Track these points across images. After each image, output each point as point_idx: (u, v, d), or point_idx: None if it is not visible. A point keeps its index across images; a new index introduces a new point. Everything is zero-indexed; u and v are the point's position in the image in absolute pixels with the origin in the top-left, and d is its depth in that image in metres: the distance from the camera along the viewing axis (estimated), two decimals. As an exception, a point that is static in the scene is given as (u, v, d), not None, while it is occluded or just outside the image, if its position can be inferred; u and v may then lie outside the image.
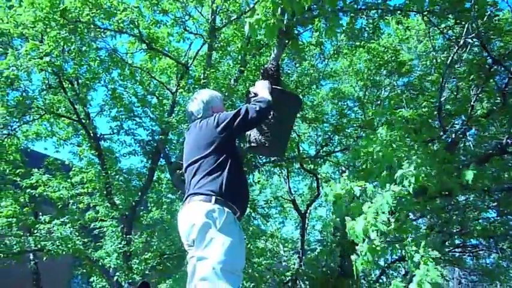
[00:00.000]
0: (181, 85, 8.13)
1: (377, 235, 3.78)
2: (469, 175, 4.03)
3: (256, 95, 2.67)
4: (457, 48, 5.61)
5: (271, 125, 2.76)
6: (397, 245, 3.96)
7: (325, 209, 14.24)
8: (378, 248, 3.84)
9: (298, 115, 7.59)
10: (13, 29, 6.66)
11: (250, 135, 2.83)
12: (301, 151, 10.01)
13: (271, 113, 2.68)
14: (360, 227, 3.72)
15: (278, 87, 2.92)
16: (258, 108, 2.45)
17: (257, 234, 10.37)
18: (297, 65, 9.29)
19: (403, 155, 4.26)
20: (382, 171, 4.19)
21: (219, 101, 2.78)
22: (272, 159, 9.17)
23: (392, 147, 4.34)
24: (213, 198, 2.29)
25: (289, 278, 10.82)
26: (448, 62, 5.73)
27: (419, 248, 3.61)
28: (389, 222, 3.90)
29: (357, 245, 3.93)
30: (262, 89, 2.68)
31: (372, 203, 3.83)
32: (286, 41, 3.70)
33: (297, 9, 3.11)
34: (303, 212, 11.57)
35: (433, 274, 3.46)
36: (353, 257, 4.06)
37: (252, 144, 2.81)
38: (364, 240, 3.85)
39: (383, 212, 3.71)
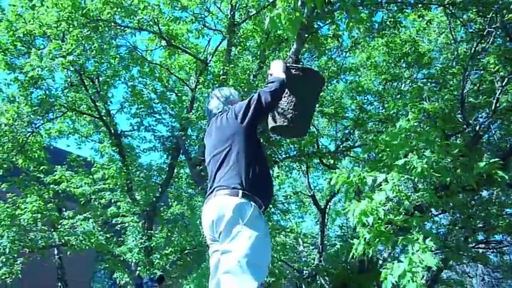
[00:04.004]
0: (200, 81, 8.16)
1: (379, 222, 3.72)
2: (480, 167, 3.93)
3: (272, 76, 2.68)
4: (480, 39, 5.48)
5: (293, 103, 2.73)
6: (401, 237, 3.88)
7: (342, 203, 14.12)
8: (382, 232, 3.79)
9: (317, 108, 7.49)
10: (38, 29, 6.78)
11: (272, 115, 2.80)
12: (320, 146, 9.93)
13: (294, 90, 2.68)
14: (361, 208, 3.69)
15: (299, 66, 2.89)
16: (271, 89, 2.49)
17: (277, 230, 10.34)
18: (316, 59, 9.18)
19: (420, 146, 4.19)
20: (396, 160, 4.11)
21: (237, 96, 2.84)
22: (294, 146, 9.04)
23: (407, 138, 4.27)
24: (240, 192, 2.28)
25: (309, 273, 10.79)
26: (471, 53, 5.60)
27: (419, 237, 3.56)
28: (398, 212, 3.84)
29: None
30: (276, 69, 2.69)
31: (381, 190, 3.78)
32: (306, 36, 3.67)
33: (318, 2, 3.09)
34: (322, 207, 11.51)
35: (428, 258, 3.40)
36: (355, 240, 4.02)
37: (275, 124, 2.78)
38: (364, 224, 3.80)
39: (391, 200, 3.65)
